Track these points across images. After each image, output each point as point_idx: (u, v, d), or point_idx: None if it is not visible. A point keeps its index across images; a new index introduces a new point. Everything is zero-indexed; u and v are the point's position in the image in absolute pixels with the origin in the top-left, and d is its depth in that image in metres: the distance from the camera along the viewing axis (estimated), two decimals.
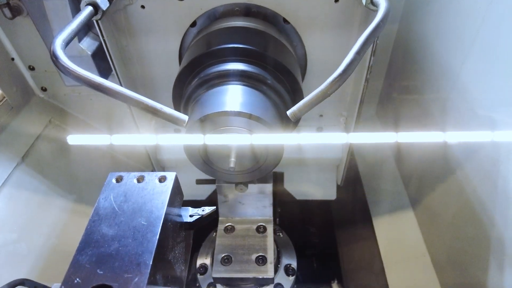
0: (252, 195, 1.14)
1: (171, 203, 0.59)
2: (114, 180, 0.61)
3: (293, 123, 1.01)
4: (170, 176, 0.62)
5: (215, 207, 0.75)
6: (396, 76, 1.55)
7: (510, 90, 0.83)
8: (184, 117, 0.71)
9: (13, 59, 1.42)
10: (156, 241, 0.51)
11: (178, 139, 1.39)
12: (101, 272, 0.48)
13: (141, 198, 0.58)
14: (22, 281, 1.00)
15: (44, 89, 1.55)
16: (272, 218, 1.18)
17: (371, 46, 0.96)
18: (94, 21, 0.90)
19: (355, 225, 1.53)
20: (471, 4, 0.97)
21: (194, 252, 1.22)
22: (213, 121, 0.81)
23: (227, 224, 1.16)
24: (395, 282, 1.21)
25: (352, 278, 1.46)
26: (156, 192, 0.58)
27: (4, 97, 1.38)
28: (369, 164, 1.64)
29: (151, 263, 0.49)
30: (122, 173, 0.62)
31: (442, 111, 1.16)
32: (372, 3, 0.79)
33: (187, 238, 0.70)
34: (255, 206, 1.17)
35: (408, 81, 1.44)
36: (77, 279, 0.48)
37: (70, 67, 0.72)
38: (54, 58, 0.72)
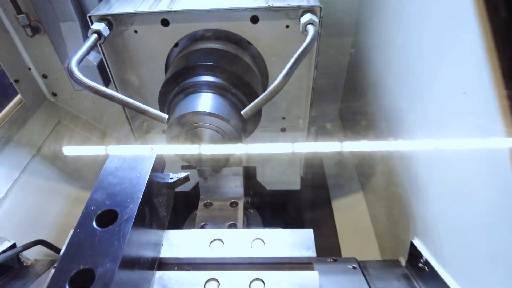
0: (227, 177, 1.42)
1: (156, 165, 0.87)
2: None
3: (254, 121, 1.29)
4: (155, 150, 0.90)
5: (188, 172, 1.02)
6: (351, 85, 1.86)
7: (422, 111, 1.07)
8: (165, 115, 1.00)
9: (29, 69, 1.70)
10: (145, 185, 0.79)
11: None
12: (108, 203, 0.76)
13: (135, 161, 0.85)
14: (40, 241, 1.26)
15: (54, 94, 1.83)
16: (243, 195, 1.45)
17: (314, 61, 1.26)
18: (98, 44, 1.18)
19: (318, 206, 1.81)
20: (396, 24, 1.26)
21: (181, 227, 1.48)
22: (189, 119, 1.09)
23: (206, 201, 1.43)
24: (345, 246, 1.49)
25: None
26: (146, 157, 0.86)
27: (22, 100, 1.66)
28: (331, 157, 1.93)
29: (140, 197, 0.76)
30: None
31: (380, 119, 1.45)
32: (306, 30, 1.08)
33: (170, 195, 0.98)
34: (229, 186, 1.44)
35: (358, 91, 1.74)
36: (93, 206, 0.75)
37: (83, 79, 1.00)
38: (71, 73, 1.00)
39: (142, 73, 1.37)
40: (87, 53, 1.04)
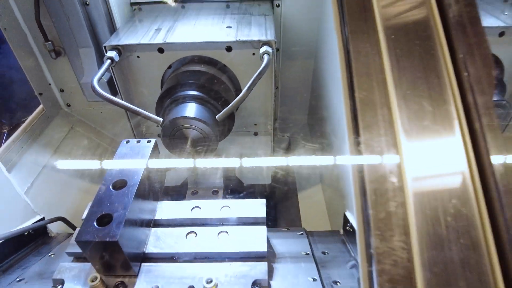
0: (209, 171, 1.78)
1: (152, 152, 1.23)
2: (125, 142, 1.25)
3: (228, 125, 1.67)
4: (153, 140, 1.26)
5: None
6: (313, 99, 2.25)
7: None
8: (160, 119, 1.37)
9: (50, 84, 2.07)
10: (145, 165, 1.15)
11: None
12: (120, 175, 1.12)
13: (138, 148, 1.22)
14: (61, 218, 1.60)
15: (68, 105, 2.19)
16: (222, 185, 1.80)
17: (273, 80, 1.64)
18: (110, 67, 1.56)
19: (287, 195, 2.17)
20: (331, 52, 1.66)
21: None
22: (178, 121, 1.45)
23: (193, 190, 1.78)
24: (305, 223, 1.85)
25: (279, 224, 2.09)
26: (145, 146, 1.22)
27: (43, 110, 2.03)
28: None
29: (142, 172, 1.12)
30: (129, 139, 1.26)
31: (328, 129, 1.82)
32: (262, 58, 1.47)
33: (162, 175, 1.34)
34: (211, 178, 1.80)
35: (318, 104, 2.13)
36: (110, 177, 1.11)
37: (101, 93, 1.38)
38: (93, 88, 1.38)
39: (142, 88, 1.75)
40: (104, 73, 1.43)
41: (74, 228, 1.66)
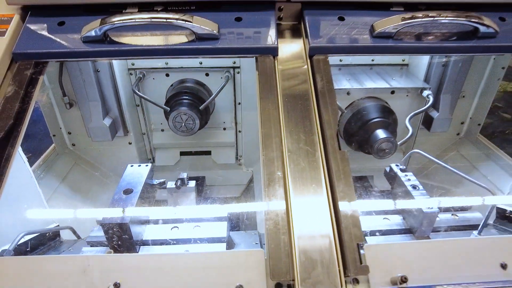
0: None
1: (149, 174, 1.80)
2: (130, 166, 1.82)
3: (205, 117, 2.44)
4: (150, 164, 1.83)
5: (164, 180, 1.95)
6: None
7: None
8: (168, 108, 2.21)
9: (61, 128, 2.62)
10: (144, 180, 1.71)
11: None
12: (128, 186, 1.67)
13: (139, 170, 1.78)
14: (70, 227, 2.06)
15: (73, 145, 2.73)
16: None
17: (233, 92, 2.42)
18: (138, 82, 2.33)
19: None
20: None
21: None
22: (177, 110, 2.24)
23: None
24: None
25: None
26: (144, 168, 1.79)
27: (55, 148, 2.55)
28: None
29: (142, 185, 1.69)
30: (133, 164, 1.83)
31: None
32: (224, 79, 2.26)
33: (154, 190, 1.90)
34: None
35: None
36: (121, 188, 1.66)
37: (139, 93, 2.33)
38: (134, 92, 2.31)
39: (155, 95, 2.56)
40: (137, 83, 2.33)
41: (78, 236, 2.13)
